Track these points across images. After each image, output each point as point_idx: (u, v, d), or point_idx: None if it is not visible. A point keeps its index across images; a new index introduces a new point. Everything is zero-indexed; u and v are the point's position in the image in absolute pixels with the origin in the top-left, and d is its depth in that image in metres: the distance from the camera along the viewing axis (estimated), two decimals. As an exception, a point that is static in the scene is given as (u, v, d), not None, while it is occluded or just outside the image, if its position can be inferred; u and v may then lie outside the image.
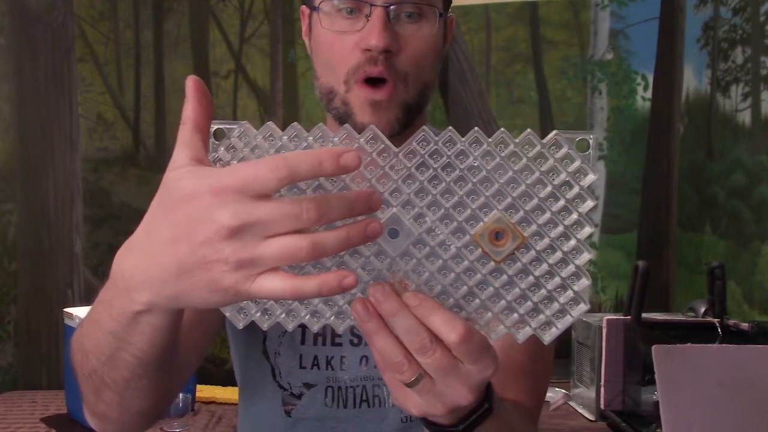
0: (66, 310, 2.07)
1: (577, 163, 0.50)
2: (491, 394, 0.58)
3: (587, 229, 0.51)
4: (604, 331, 1.79)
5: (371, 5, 0.70)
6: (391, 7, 0.71)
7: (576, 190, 0.51)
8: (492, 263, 0.49)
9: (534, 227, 0.49)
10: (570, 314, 0.52)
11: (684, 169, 2.49)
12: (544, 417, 1.91)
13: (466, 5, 2.69)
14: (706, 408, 1.12)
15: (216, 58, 2.67)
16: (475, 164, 0.50)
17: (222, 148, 0.51)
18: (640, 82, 2.61)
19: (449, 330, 0.47)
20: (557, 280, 0.50)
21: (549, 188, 0.49)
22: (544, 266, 0.50)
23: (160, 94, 2.65)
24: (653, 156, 2.60)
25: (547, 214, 0.50)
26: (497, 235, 0.49)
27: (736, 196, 2.09)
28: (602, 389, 1.80)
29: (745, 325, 1.59)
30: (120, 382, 0.61)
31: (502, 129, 0.51)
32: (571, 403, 1.98)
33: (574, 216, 0.51)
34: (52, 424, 2.00)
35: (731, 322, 1.64)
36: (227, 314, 0.50)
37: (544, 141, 0.49)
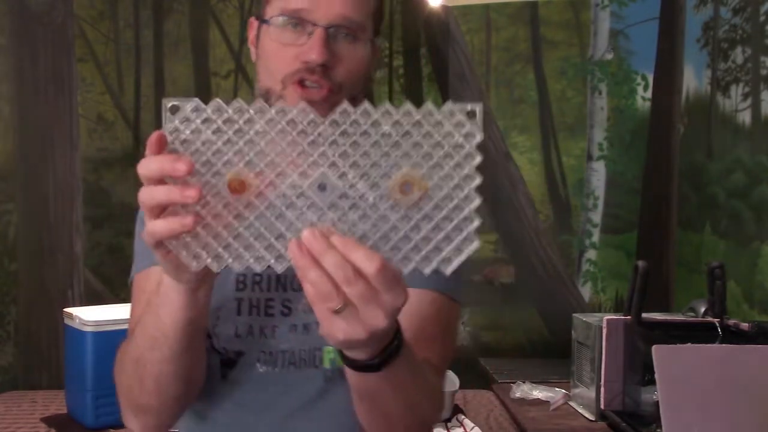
0: (66, 310, 2.07)
1: (467, 128, 0.61)
2: (401, 335, 0.69)
3: (477, 180, 0.62)
4: (604, 331, 1.79)
5: (313, 24, 0.84)
6: (331, 28, 0.84)
7: (467, 149, 0.61)
8: (402, 211, 0.61)
9: (435, 180, 0.61)
10: (464, 251, 0.62)
11: (684, 169, 2.49)
12: (544, 417, 1.91)
13: (466, 5, 2.69)
14: (706, 408, 1.12)
15: (216, 58, 2.67)
16: (387, 131, 0.60)
17: (177, 121, 0.63)
18: (640, 82, 2.61)
19: (369, 264, 0.58)
20: (453, 223, 0.62)
21: (446, 148, 0.61)
22: (443, 212, 0.61)
23: (160, 94, 2.65)
24: (653, 156, 2.61)
25: (445, 169, 0.61)
26: (406, 188, 0.60)
27: (736, 196, 2.09)
28: (602, 389, 1.80)
29: (745, 325, 1.59)
30: (156, 364, 0.77)
31: (408, 102, 0.61)
32: (571, 403, 1.98)
33: (466, 170, 0.62)
34: (52, 424, 2.00)
35: (731, 322, 1.64)
36: (182, 258, 0.63)
37: (442, 110, 0.61)
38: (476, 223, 0.63)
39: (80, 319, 1.97)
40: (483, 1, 2.67)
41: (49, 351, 2.49)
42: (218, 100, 0.62)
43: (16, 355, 2.48)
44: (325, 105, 0.82)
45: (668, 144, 2.55)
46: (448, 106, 0.60)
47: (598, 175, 2.64)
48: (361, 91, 0.89)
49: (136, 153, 2.62)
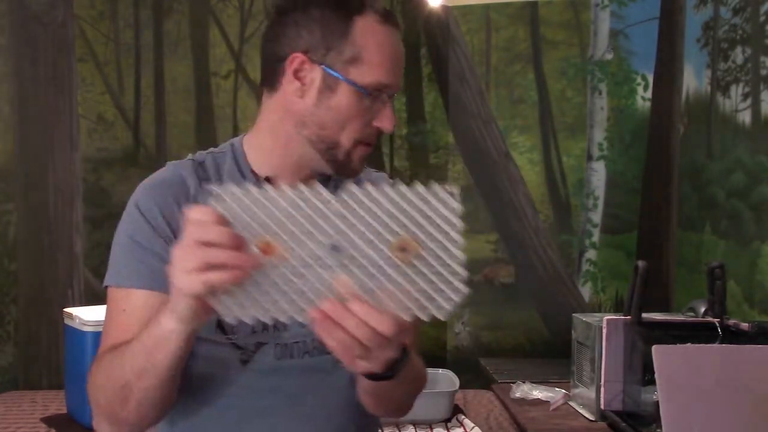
0: (66, 310, 2.07)
1: (449, 202, 0.74)
2: (407, 348, 0.84)
3: (459, 242, 0.73)
4: (604, 331, 1.79)
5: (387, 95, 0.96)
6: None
7: (450, 218, 0.74)
8: (401, 269, 0.73)
9: (427, 243, 0.73)
10: (455, 299, 0.74)
11: (684, 169, 2.48)
12: (544, 417, 1.91)
13: (466, 5, 2.69)
14: (706, 408, 1.12)
15: (216, 58, 2.67)
16: (388, 209, 0.74)
17: (220, 201, 0.75)
18: (640, 82, 2.61)
19: (383, 325, 0.72)
20: (444, 277, 0.73)
21: (434, 218, 0.73)
22: (435, 269, 0.73)
23: (160, 94, 2.65)
24: (653, 156, 2.60)
25: (434, 235, 0.73)
26: (403, 250, 0.73)
27: (736, 196, 2.09)
28: (602, 389, 1.79)
29: (745, 325, 1.59)
30: (143, 391, 0.86)
31: (399, 182, 0.74)
32: (571, 403, 1.98)
33: (451, 234, 0.73)
34: (52, 424, 2.00)
35: (731, 322, 1.64)
36: (219, 309, 0.75)
37: (429, 189, 0.74)
38: (463, 275, 0.74)
39: (80, 319, 1.97)
40: (483, 1, 2.67)
41: (49, 351, 2.49)
42: (251, 186, 0.76)
43: (16, 355, 2.48)
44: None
45: (668, 144, 2.55)
46: (434, 186, 0.74)
47: (598, 175, 2.65)
48: None
49: (136, 153, 2.62)
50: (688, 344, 1.28)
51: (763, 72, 1.98)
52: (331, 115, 0.96)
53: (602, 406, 1.80)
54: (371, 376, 0.83)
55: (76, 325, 1.99)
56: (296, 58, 0.95)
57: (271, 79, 0.99)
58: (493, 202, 2.63)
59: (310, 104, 0.96)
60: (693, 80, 2.42)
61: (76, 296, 2.52)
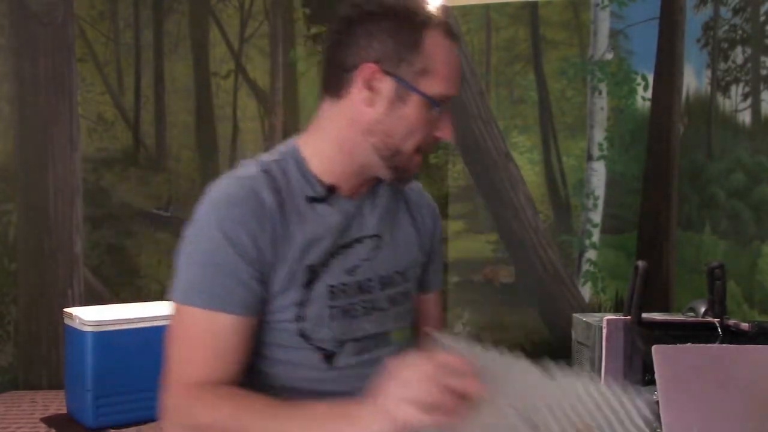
0: (66, 310, 2.07)
1: (646, 412, 0.82)
2: None
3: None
4: (604, 331, 1.78)
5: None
6: None
7: (642, 425, 0.81)
8: None
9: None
10: None
11: (684, 169, 2.49)
12: (544, 417, 1.91)
13: (466, 5, 2.69)
14: (706, 408, 1.12)
15: (216, 58, 2.67)
16: (587, 402, 0.83)
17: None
18: (640, 82, 2.61)
19: None
20: None
21: (621, 417, 0.82)
22: None
23: (160, 94, 2.65)
24: (653, 156, 2.61)
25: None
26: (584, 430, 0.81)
27: (736, 196, 2.09)
28: (602, 389, 1.80)
29: (745, 325, 1.59)
30: None
31: (600, 382, 0.84)
32: (571, 403, 1.98)
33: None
34: (52, 424, 2.00)
35: (731, 322, 1.64)
36: None
37: (621, 396, 0.84)
38: None
39: (80, 319, 1.97)
40: (483, 1, 2.67)
41: (49, 351, 2.49)
42: (478, 346, 0.87)
43: (16, 355, 2.48)
44: None
45: (668, 144, 2.55)
46: (631, 395, 0.83)
47: (598, 175, 2.65)
48: None
49: (136, 153, 2.62)
50: (688, 344, 1.28)
51: (763, 72, 1.98)
52: (400, 124, 0.99)
53: (602, 406, 1.80)
54: None
55: (76, 325, 1.99)
56: (368, 68, 0.96)
57: (336, 86, 0.99)
58: (493, 202, 2.63)
59: (380, 113, 0.98)
60: (693, 80, 2.42)
61: (76, 296, 2.52)
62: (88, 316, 1.98)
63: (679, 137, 2.52)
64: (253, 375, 1.00)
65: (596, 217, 2.65)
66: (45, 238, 2.51)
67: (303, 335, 0.99)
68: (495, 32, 2.69)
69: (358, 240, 1.01)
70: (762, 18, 1.99)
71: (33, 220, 2.50)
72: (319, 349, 1.00)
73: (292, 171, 0.99)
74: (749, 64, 2.06)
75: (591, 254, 2.65)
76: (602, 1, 2.63)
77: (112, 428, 1.96)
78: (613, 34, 2.63)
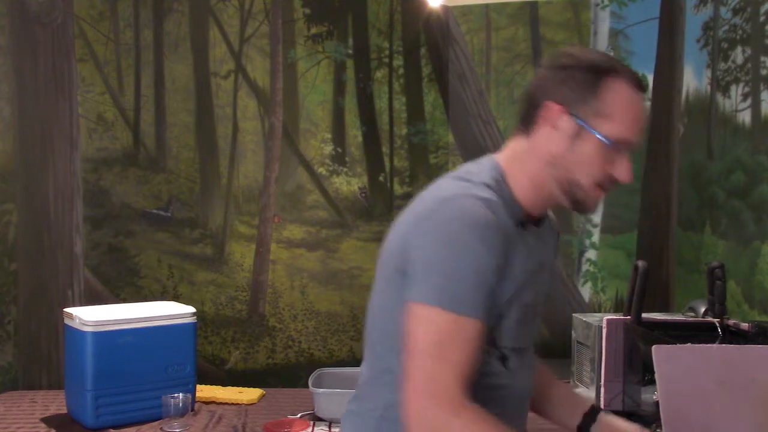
0: (66, 310, 2.07)
1: None
2: None
3: None
4: (604, 331, 1.79)
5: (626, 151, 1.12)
6: None
7: None
8: None
9: None
10: None
11: (684, 169, 2.49)
12: (544, 417, 1.91)
13: (466, 5, 2.69)
14: (706, 408, 1.12)
15: (216, 58, 2.67)
16: None
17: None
18: (640, 82, 2.61)
19: None
20: None
21: None
22: None
23: (160, 94, 2.65)
24: (653, 156, 2.61)
25: None
26: None
27: (736, 196, 2.09)
28: (602, 389, 1.80)
29: (745, 325, 1.59)
30: None
31: None
32: (571, 403, 1.98)
33: None
34: (52, 424, 2.00)
35: (731, 322, 1.64)
36: None
37: None
38: None
39: (80, 319, 1.97)
40: (483, 1, 2.67)
41: (49, 351, 2.49)
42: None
43: (16, 355, 2.48)
44: None
45: (668, 144, 2.55)
46: None
47: None
48: None
49: (136, 153, 2.62)
50: (688, 344, 1.28)
51: (763, 72, 1.97)
52: (577, 159, 1.11)
53: (602, 406, 1.80)
54: None
55: (76, 325, 1.99)
56: (554, 108, 1.10)
57: (527, 122, 1.13)
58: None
59: (562, 149, 1.11)
60: (693, 80, 2.42)
61: (76, 296, 2.52)
62: (88, 316, 1.98)
63: (679, 137, 2.52)
64: None
65: (596, 217, 2.65)
66: (45, 238, 2.51)
67: (492, 342, 1.10)
68: (495, 32, 2.69)
69: (542, 264, 1.15)
70: (762, 18, 1.99)
71: (33, 220, 2.50)
72: (500, 353, 1.13)
73: (506, 197, 1.11)
74: (749, 64, 2.05)
75: (591, 254, 2.65)
76: (602, 1, 2.63)
77: (112, 428, 1.96)
78: (613, 34, 2.63)
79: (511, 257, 1.05)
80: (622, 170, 1.13)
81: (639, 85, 1.11)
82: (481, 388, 1.08)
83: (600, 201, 1.15)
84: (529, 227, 1.12)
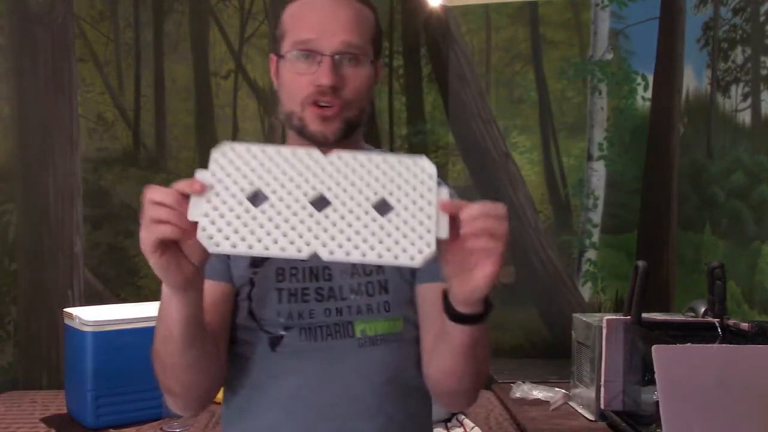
0: (66, 310, 2.07)
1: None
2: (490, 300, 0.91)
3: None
4: (604, 331, 1.79)
5: (321, 54, 1.03)
6: (336, 56, 1.03)
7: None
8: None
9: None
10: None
11: (684, 169, 2.49)
12: (544, 417, 1.91)
13: (466, 5, 2.69)
14: (706, 408, 1.12)
15: (216, 58, 2.67)
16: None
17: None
18: (640, 82, 2.61)
19: (498, 209, 0.95)
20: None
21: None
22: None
23: (160, 94, 2.65)
24: (653, 156, 2.61)
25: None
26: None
27: (736, 196, 2.09)
28: (602, 389, 1.80)
29: (745, 325, 1.59)
30: (168, 357, 0.96)
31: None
32: (571, 403, 1.98)
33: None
34: (52, 424, 2.00)
35: (731, 322, 1.64)
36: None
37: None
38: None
39: (80, 319, 1.97)
40: (483, 1, 2.67)
41: (49, 351, 2.49)
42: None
43: (16, 355, 2.48)
44: (338, 119, 1.05)
45: (668, 144, 2.55)
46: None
47: (598, 175, 2.65)
48: (367, 105, 1.10)
49: (136, 153, 2.62)
50: (688, 344, 1.28)
51: (763, 72, 1.98)
52: (281, 92, 1.09)
53: (602, 406, 1.81)
54: (469, 319, 0.90)
55: (76, 325, 1.99)
56: (270, 61, 1.12)
57: None
58: (492, 202, 2.62)
59: (278, 91, 1.11)
60: (693, 80, 2.42)
61: (76, 296, 2.52)
62: (88, 316, 1.98)
63: (679, 137, 2.52)
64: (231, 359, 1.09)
65: (596, 217, 2.65)
66: (45, 238, 2.50)
67: (251, 313, 1.06)
68: (495, 32, 2.69)
69: None
70: (762, 18, 1.99)
71: (33, 220, 2.50)
72: (266, 332, 1.07)
73: None
74: (749, 64, 2.05)
75: (591, 254, 2.65)
76: (602, 1, 2.63)
77: (112, 428, 1.96)
78: (613, 34, 2.63)
79: None
80: (319, 74, 1.03)
81: None
82: (248, 361, 1.10)
83: (321, 117, 1.04)
84: None
